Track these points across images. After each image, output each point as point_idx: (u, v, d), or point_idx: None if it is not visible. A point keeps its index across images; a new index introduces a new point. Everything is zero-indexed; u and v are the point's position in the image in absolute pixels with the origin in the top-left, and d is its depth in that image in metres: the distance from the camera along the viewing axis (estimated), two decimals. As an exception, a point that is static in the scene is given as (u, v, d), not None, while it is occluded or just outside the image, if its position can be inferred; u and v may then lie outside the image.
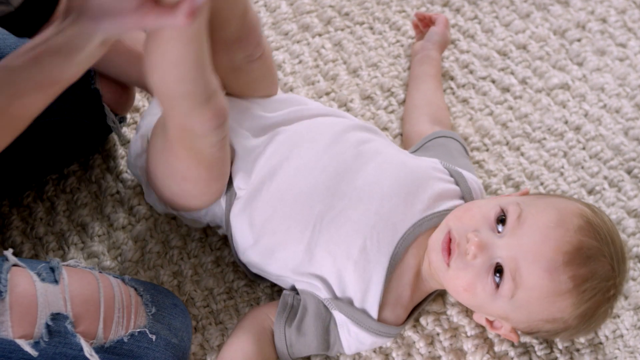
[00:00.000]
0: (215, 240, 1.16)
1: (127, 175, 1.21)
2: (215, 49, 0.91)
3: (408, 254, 1.03)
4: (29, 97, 0.84)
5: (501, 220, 0.99)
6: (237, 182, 1.04)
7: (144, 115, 1.12)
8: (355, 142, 1.06)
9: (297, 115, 1.09)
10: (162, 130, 0.97)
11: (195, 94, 0.88)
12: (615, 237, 0.99)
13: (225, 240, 1.16)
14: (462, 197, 1.08)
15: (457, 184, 1.08)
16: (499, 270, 0.97)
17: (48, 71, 0.83)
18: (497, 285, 0.97)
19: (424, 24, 1.34)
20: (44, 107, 0.87)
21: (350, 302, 1.02)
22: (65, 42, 0.82)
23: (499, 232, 0.98)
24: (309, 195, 1.02)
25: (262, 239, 1.03)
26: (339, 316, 1.02)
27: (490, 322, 1.04)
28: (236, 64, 1.03)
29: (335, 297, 1.03)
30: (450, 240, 0.99)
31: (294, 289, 1.07)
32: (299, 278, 1.03)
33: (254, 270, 1.08)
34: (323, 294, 1.03)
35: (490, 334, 1.09)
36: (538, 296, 0.96)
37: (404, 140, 1.24)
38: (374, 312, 1.01)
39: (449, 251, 0.99)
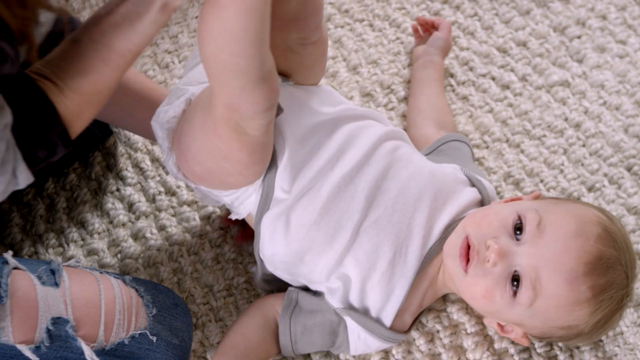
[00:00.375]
0: (215, 237, 1.16)
1: (127, 173, 1.21)
2: (270, 24, 0.84)
3: (430, 265, 1.02)
4: (96, 73, 0.83)
5: (519, 227, 0.98)
6: (280, 182, 0.99)
7: (189, 76, 1.03)
8: (390, 150, 1.04)
9: (347, 115, 1.05)
10: (206, 106, 0.91)
11: (249, 72, 0.81)
12: (629, 243, 1.00)
13: (226, 238, 1.16)
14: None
15: (480, 193, 1.07)
16: (515, 278, 0.97)
17: (113, 44, 0.82)
18: (515, 293, 0.97)
19: (424, 28, 1.33)
20: (113, 83, 0.86)
21: (365, 311, 1.02)
22: (127, 11, 0.82)
23: (517, 239, 0.98)
24: (350, 205, 1.00)
25: (295, 243, 1.00)
26: (350, 322, 1.02)
27: (502, 327, 1.03)
28: (289, 44, 0.98)
29: (349, 306, 1.02)
30: (468, 246, 0.99)
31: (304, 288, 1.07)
32: (320, 281, 1.03)
33: (270, 268, 1.05)
34: (336, 303, 1.02)
35: (490, 331, 1.09)
36: (557, 305, 0.96)
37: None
38: (388, 322, 1.01)
39: (467, 257, 0.98)
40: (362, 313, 1.02)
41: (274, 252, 1.01)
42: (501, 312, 1.00)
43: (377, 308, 1.01)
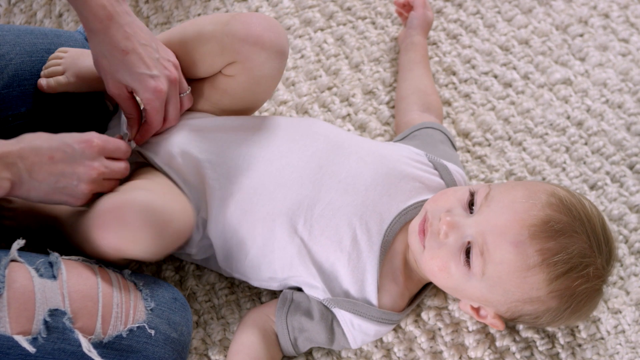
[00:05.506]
0: (217, 235, 1.16)
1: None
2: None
3: (396, 241, 1.04)
4: None
5: (473, 203, 1.00)
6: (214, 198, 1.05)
7: None
8: (326, 135, 1.08)
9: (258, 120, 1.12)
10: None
11: None
12: (593, 218, 0.99)
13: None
14: None
15: (441, 177, 1.09)
16: (470, 250, 0.98)
17: None
18: (469, 264, 0.98)
19: (406, 9, 1.34)
20: None
21: (346, 294, 1.03)
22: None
23: (471, 212, 1.00)
24: (296, 190, 1.03)
25: (254, 241, 1.04)
26: (340, 313, 1.03)
27: (476, 310, 1.04)
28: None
29: (333, 294, 1.03)
30: (425, 221, 1.01)
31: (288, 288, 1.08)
32: (299, 272, 1.04)
33: (241, 276, 1.09)
34: (321, 295, 1.03)
35: (492, 329, 1.09)
36: (508, 271, 0.97)
37: (395, 131, 1.24)
38: (374, 300, 1.02)
39: (424, 232, 1.00)
40: (345, 298, 1.03)
41: (237, 260, 1.06)
42: (462, 287, 1.01)
43: (356, 289, 1.03)
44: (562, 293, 0.97)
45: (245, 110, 1.12)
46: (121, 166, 1.01)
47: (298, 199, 1.03)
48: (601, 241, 0.99)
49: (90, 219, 0.95)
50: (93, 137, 0.98)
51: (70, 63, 1.08)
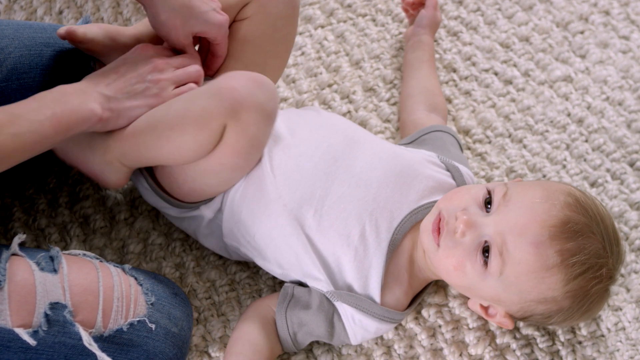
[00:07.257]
0: (218, 232, 1.16)
1: (129, 167, 1.21)
2: None
3: (404, 240, 1.04)
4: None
5: (489, 201, 1.00)
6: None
7: None
8: (344, 129, 1.08)
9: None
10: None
11: None
12: (605, 218, 1.00)
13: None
14: None
15: (453, 178, 1.09)
16: (486, 249, 0.98)
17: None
18: (486, 264, 0.98)
19: (413, 7, 1.34)
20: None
21: (349, 289, 1.03)
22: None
23: (487, 211, 0.99)
24: (309, 180, 1.03)
25: (260, 228, 1.04)
26: (342, 307, 1.02)
27: (485, 309, 1.04)
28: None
29: (336, 287, 1.03)
30: (440, 220, 1.00)
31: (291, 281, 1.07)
32: (304, 262, 1.04)
33: (246, 251, 1.08)
34: (325, 287, 1.03)
35: (492, 326, 1.09)
36: (526, 271, 0.96)
37: (400, 129, 1.24)
38: (377, 297, 1.02)
39: (439, 231, 1.00)
40: (348, 292, 1.03)
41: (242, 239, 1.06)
42: (476, 286, 1.00)
43: (360, 284, 1.02)
44: (576, 293, 0.98)
45: (271, 69, 1.12)
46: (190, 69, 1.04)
47: (310, 189, 1.03)
48: (612, 242, 0.99)
49: (219, 80, 0.98)
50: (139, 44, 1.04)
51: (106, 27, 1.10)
